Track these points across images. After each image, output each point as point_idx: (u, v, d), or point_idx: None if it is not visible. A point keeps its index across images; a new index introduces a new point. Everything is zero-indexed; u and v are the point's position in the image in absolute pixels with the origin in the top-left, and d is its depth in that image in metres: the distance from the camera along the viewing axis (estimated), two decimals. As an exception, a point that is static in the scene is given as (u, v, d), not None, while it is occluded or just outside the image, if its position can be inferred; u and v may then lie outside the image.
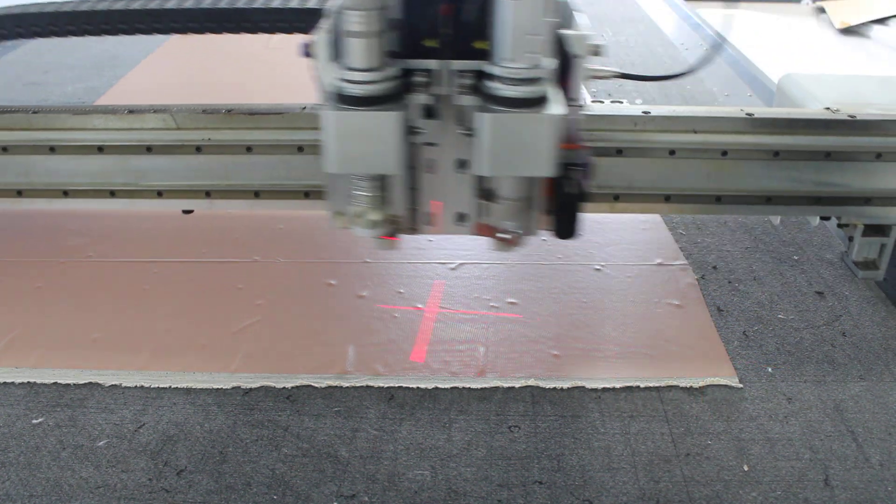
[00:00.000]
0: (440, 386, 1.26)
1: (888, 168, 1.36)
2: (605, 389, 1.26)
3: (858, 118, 1.35)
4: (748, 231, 1.72)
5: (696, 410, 1.21)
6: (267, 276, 1.55)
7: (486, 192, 1.14)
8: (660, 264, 1.59)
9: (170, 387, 1.26)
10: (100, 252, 1.63)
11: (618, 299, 1.48)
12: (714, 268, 1.58)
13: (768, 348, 1.35)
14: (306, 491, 1.07)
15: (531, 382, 1.27)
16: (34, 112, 1.38)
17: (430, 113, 1.07)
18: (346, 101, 0.98)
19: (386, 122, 0.98)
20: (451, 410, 1.22)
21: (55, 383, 1.26)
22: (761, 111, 1.37)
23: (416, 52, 1.02)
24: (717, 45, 1.28)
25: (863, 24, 3.29)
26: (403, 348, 1.34)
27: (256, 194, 1.39)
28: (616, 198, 1.38)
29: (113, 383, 1.26)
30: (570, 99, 1.12)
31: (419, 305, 1.46)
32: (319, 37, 0.99)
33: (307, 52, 1.03)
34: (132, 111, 1.37)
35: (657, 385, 1.26)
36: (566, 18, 1.16)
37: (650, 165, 1.36)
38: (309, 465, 1.12)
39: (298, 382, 1.27)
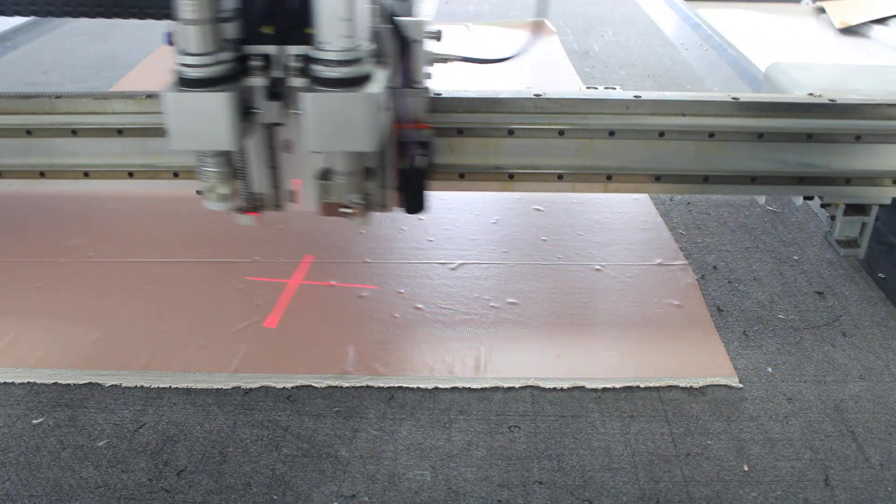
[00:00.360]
0: (440, 386, 1.26)
1: (867, 150, 1.43)
2: (605, 389, 1.26)
3: (838, 102, 1.41)
4: (748, 231, 1.72)
5: (696, 410, 1.21)
6: (267, 276, 1.55)
7: (323, 172, 1.22)
8: (660, 264, 1.59)
9: (170, 387, 1.26)
10: (100, 252, 1.63)
11: (618, 299, 1.48)
12: (714, 268, 1.58)
13: (768, 348, 1.35)
14: (306, 491, 1.07)
15: (531, 382, 1.27)
16: (57, 97, 1.45)
17: (274, 95, 1.15)
18: (184, 83, 1.07)
19: (217, 102, 1.08)
20: (451, 410, 1.22)
21: (55, 383, 1.26)
22: (746, 96, 1.43)
23: (254, 39, 1.12)
24: (542, 8, 1.36)
25: (863, 24, 3.29)
26: (403, 348, 1.34)
27: None
28: (609, 178, 1.45)
29: (113, 383, 1.26)
30: (414, 82, 1.25)
31: (286, 279, 1.53)
32: (178, 25, 1.06)
33: (170, 40, 1.10)
34: (150, 96, 1.43)
35: (657, 385, 1.26)
36: (407, 5, 1.24)
37: (641, 147, 1.42)
38: (309, 465, 1.12)
39: (298, 382, 1.27)
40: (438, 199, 1.84)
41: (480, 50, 3.06)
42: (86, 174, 1.51)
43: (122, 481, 1.09)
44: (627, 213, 1.79)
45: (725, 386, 1.26)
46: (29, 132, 1.47)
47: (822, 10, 3.58)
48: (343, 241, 1.66)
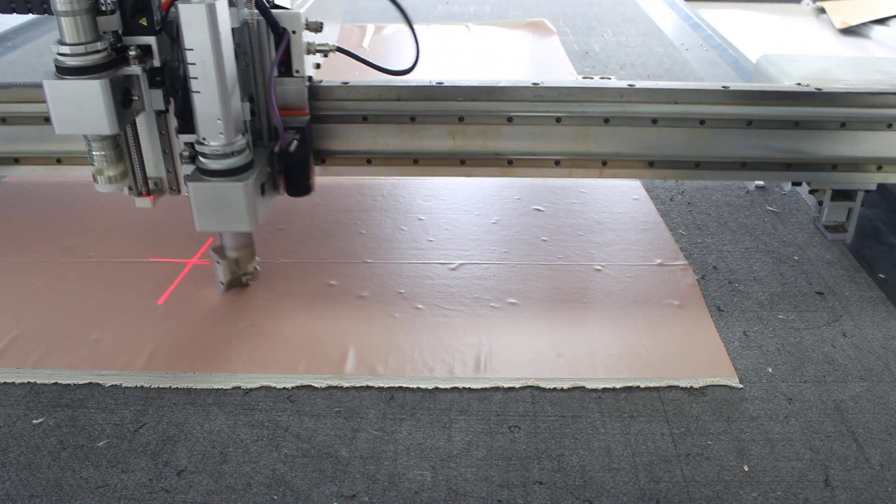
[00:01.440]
0: (440, 386, 1.26)
1: (852, 136, 1.49)
2: (605, 389, 1.26)
3: (825, 91, 1.48)
4: (748, 231, 1.72)
5: (697, 410, 1.21)
6: (267, 276, 1.55)
7: (218, 250, 1.37)
8: (660, 264, 1.59)
9: (170, 387, 1.26)
10: (100, 252, 1.63)
11: (618, 299, 1.48)
12: (714, 268, 1.58)
13: (768, 348, 1.35)
14: (306, 491, 1.07)
15: (531, 382, 1.27)
16: None
17: (156, 83, 1.25)
18: (61, 71, 1.16)
19: (91, 89, 1.16)
20: (451, 411, 1.21)
21: (55, 383, 1.26)
22: (736, 85, 1.49)
23: (131, 30, 1.20)
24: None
25: (863, 24, 3.29)
26: (404, 348, 1.34)
27: None
28: (604, 163, 1.51)
29: (113, 383, 1.26)
30: (295, 70, 1.35)
31: (186, 259, 1.60)
32: None
33: None
34: None
35: (657, 385, 1.26)
36: None
37: (635, 134, 1.48)
38: (309, 465, 1.12)
39: (298, 382, 1.27)
40: (439, 198, 1.85)
41: (470, 51, 3.06)
42: None
43: (123, 481, 1.09)
44: (627, 213, 1.79)
45: (725, 386, 1.26)
46: (47, 119, 1.49)
47: (822, 11, 3.58)
48: (343, 241, 1.67)
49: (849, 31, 3.32)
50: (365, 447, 1.14)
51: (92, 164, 1.29)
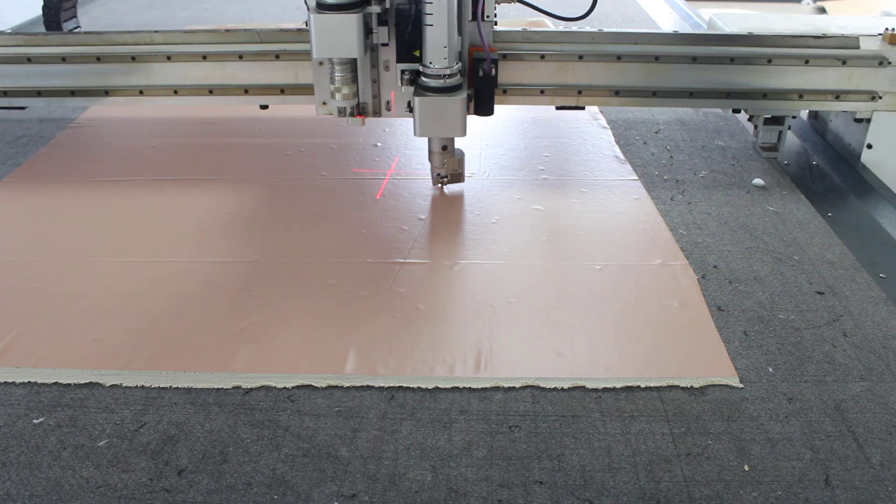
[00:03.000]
0: (440, 386, 1.26)
1: (777, 71, 1.87)
2: (605, 389, 1.26)
3: (754, 34, 1.88)
4: (748, 231, 1.72)
5: (697, 410, 1.21)
6: (267, 276, 1.55)
7: (440, 147, 1.77)
8: (660, 264, 1.59)
9: (170, 386, 1.26)
10: (100, 252, 1.63)
11: (618, 299, 1.48)
12: (714, 267, 1.58)
13: (769, 348, 1.35)
14: (307, 491, 1.07)
15: (531, 382, 1.27)
16: (155, 32, 1.93)
17: (383, 21, 1.59)
18: (323, 7, 1.51)
19: (349, 21, 1.51)
20: (451, 410, 1.21)
21: (56, 383, 1.26)
22: (685, 31, 1.93)
23: None
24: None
25: (863, 23, 3.28)
26: (404, 348, 1.34)
27: None
28: (580, 92, 1.90)
29: (113, 383, 1.26)
30: (486, 16, 1.65)
31: (385, 170, 1.98)
32: None
33: None
34: (228, 30, 1.94)
35: (657, 385, 1.26)
36: None
37: (603, 68, 1.87)
38: (309, 465, 1.12)
39: (298, 382, 1.27)
40: (439, 198, 1.85)
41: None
42: (175, 92, 1.96)
43: (123, 481, 1.09)
44: (627, 212, 1.79)
45: (726, 386, 1.26)
46: (133, 58, 1.93)
47: (823, 10, 3.58)
48: (343, 241, 1.66)
49: (849, 31, 3.31)
50: (365, 447, 1.14)
51: (332, 84, 1.65)
